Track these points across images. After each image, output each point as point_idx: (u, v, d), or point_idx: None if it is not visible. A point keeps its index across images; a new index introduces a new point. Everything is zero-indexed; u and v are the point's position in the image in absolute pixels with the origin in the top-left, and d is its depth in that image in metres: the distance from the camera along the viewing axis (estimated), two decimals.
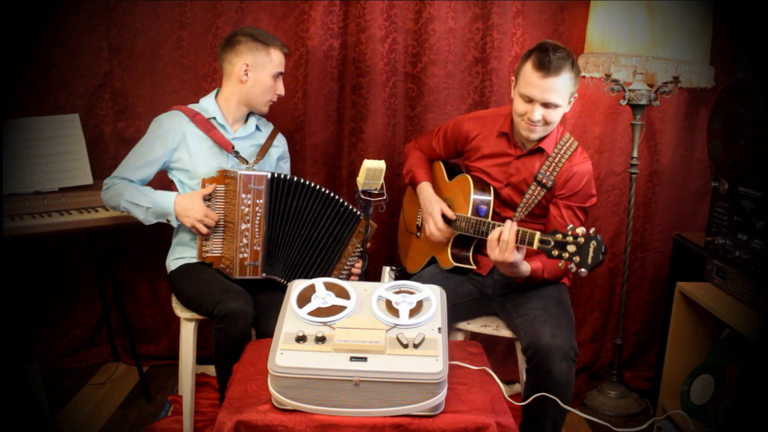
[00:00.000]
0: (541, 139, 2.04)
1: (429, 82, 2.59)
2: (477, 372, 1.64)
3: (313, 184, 2.12)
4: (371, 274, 2.52)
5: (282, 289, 2.01)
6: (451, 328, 2.12)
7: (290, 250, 2.13)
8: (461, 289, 2.12)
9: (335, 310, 1.55)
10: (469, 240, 2.11)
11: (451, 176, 2.26)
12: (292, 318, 1.53)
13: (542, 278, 1.99)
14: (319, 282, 1.63)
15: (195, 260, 2.14)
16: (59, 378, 2.63)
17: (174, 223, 2.07)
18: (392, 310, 1.55)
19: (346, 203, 2.16)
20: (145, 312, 2.79)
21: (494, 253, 1.84)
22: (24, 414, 2.17)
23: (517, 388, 2.53)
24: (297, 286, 1.63)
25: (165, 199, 2.05)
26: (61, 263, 2.72)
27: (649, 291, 2.75)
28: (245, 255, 2.06)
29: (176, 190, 2.17)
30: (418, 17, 2.56)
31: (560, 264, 1.73)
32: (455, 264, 2.11)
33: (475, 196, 2.07)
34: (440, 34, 2.55)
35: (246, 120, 2.25)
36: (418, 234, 2.37)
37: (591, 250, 1.67)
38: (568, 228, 1.72)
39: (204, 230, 2.04)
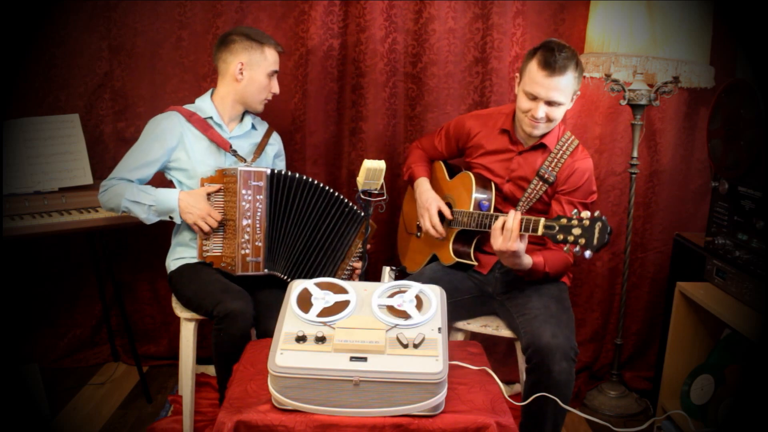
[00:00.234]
0: (543, 135, 2.06)
1: (429, 82, 2.59)
2: (477, 372, 1.64)
3: (313, 180, 2.13)
4: (371, 274, 2.52)
5: (282, 287, 2.02)
6: (451, 326, 2.12)
7: (293, 247, 2.13)
8: (462, 285, 2.13)
9: (336, 309, 1.55)
10: (471, 236, 2.12)
11: (451, 175, 2.27)
12: (292, 318, 1.53)
13: (544, 272, 1.99)
14: (319, 282, 1.63)
15: (195, 260, 2.15)
16: (59, 378, 2.63)
17: (177, 220, 2.07)
18: (399, 312, 1.54)
19: (350, 203, 2.17)
20: (145, 312, 2.79)
21: (498, 242, 1.84)
22: (24, 414, 2.17)
23: (517, 388, 2.53)
24: (297, 286, 1.63)
25: (168, 196, 2.04)
26: (61, 263, 2.72)
27: (649, 291, 2.75)
28: (247, 251, 2.07)
29: None
30: (418, 17, 2.56)
31: (565, 248, 1.73)
32: (457, 259, 2.11)
33: (476, 194, 2.08)
34: (440, 34, 2.55)
35: (242, 119, 2.26)
36: (419, 234, 2.37)
37: (596, 231, 1.68)
38: (573, 213, 1.73)
39: (206, 228, 2.04)
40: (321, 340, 1.46)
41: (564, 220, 1.74)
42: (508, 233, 1.81)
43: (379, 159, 1.81)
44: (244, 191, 2.04)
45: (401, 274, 2.22)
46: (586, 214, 1.71)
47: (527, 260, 1.92)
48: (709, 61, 2.33)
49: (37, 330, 2.73)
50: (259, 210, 2.07)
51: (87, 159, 2.39)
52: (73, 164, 2.36)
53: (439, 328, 1.51)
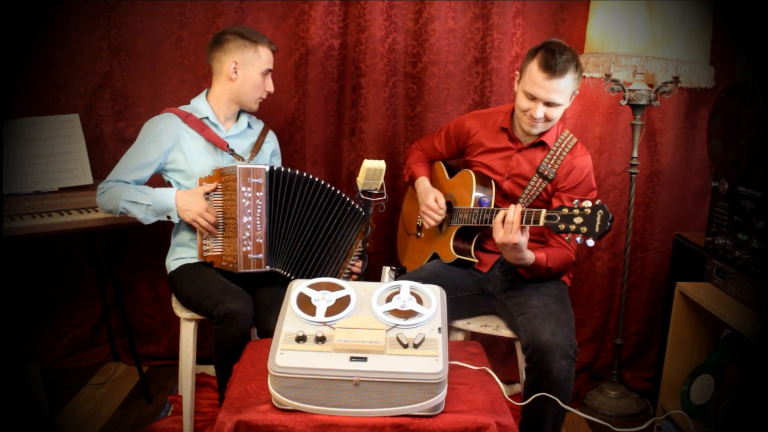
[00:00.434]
0: (542, 133, 2.07)
1: (429, 82, 2.59)
2: (477, 372, 1.64)
3: (312, 177, 2.13)
4: (371, 274, 2.52)
5: (282, 284, 2.02)
6: (451, 326, 2.12)
7: (295, 243, 2.14)
8: (462, 283, 2.13)
9: (335, 309, 1.55)
10: (471, 233, 2.12)
11: (451, 174, 2.27)
12: (292, 318, 1.53)
13: (547, 268, 1.99)
14: (318, 282, 1.63)
15: (195, 260, 2.15)
16: (59, 378, 2.63)
17: (175, 219, 2.07)
18: (402, 313, 1.54)
19: (349, 199, 2.17)
20: (145, 312, 2.79)
21: (499, 234, 1.85)
22: (24, 414, 2.17)
23: (517, 388, 2.53)
24: (297, 286, 1.63)
25: (166, 195, 2.05)
26: (61, 263, 2.72)
27: (649, 291, 2.75)
28: (248, 248, 2.07)
29: None
30: (418, 17, 2.56)
31: (567, 237, 1.74)
32: (457, 256, 2.12)
33: (477, 192, 2.09)
34: (440, 34, 2.55)
35: (237, 118, 2.26)
36: (419, 234, 2.37)
37: (598, 218, 1.70)
38: (574, 202, 1.74)
39: (204, 224, 2.05)
40: (321, 340, 1.46)
41: (565, 210, 1.75)
42: (509, 226, 1.82)
43: (379, 159, 1.81)
44: (243, 188, 2.04)
45: (401, 274, 2.22)
46: (587, 203, 1.73)
47: (530, 255, 1.93)
48: (709, 61, 2.33)
49: (37, 330, 2.73)
50: (260, 207, 2.07)
51: (87, 159, 2.39)
52: (73, 164, 2.36)
53: (439, 328, 1.51)
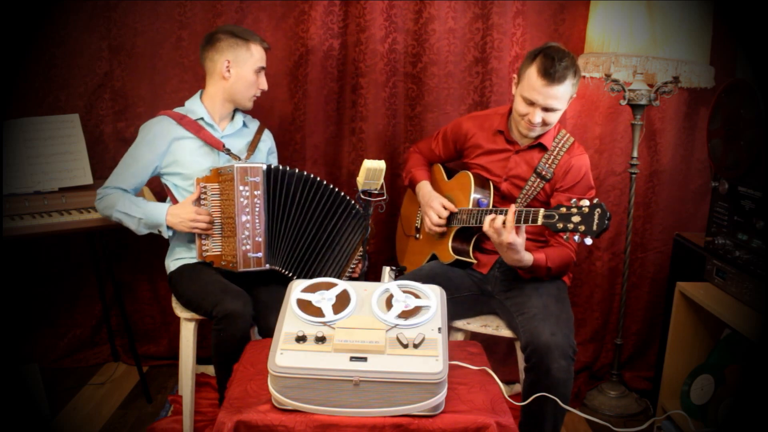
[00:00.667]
0: (539, 135, 2.08)
1: (429, 82, 2.59)
2: (477, 372, 1.64)
3: (309, 174, 2.13)
4: (371, 274, 2.52)
5: (282, 283, 2.02)
6: (451, 326, 2.12)
7: (294, 241, 2.13)
8: (461, 283, 2.13)
9: (335, 309, 1.55)
10: (470, 234, 2.12)
11: (450, 176, 2.27)
12: (292, 318, 1.53)
13: (547, 268, 1.99)
14: (318, 282, 1.63)
15: (194, 260, 2.15)
16: (59, 378, 2.63)
17: (165, 234, 2.09)
18: (388, 304, 1.55)
19: (348, 197, 2.17)
20: (145, 312, 2.79)
21: (494, 236, 1.87)
22: (24, 414, 2.17)
23: (517, 388, 2.53)
24: (297, 286, 1.62)
25: (157, 211, 2.07)
26: (61, 263, 2.72)
27: (649, 291, 2.75)
28: (248, 247, 2.07)
29: (171, 194, 2.18)
30: (418, 17, 2.56)
31: (565, 236, 1.75)
32: (456, 257, 2.12)
33: (475, 194, 2.10)
34: (440, 34, 2.55)
35: (233, 117, 2.26)
36: (417, 236, 2.37)
37: (596, 217, 1.71)
38: (572, 201, 1.76)
39: (202, 226, 2.05)
40: (321, 340, 1.46)
41: (563, 209, 1.76)
42: (503, 227, 1.84)
43: (379, 159, 1.81)
44: (241, 187, 2.04)
45: (401, 274, 2.22)
46: (584, 201, 1.74)
47: (527, 256, 1.93)
48: (709, 61, 2.33)
49: (37, 330, 2.73)
50: (258, 205, 2.07)
51: (87, 159, 2.39)
52: (73, 164, 2.36)
53: (439, 328, 1.51)
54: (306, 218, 2.14)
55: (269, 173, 2.09)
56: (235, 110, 2.27)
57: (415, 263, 2.34)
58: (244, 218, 2.06)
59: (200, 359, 2.29)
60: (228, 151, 2.16)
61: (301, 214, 2.13)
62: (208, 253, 2.09)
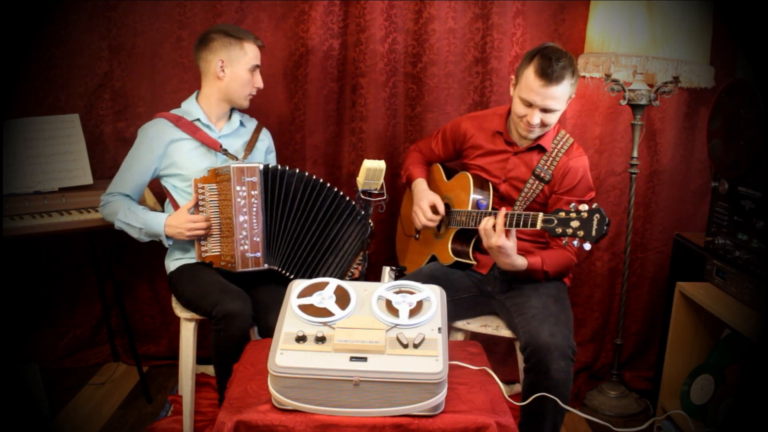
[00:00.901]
0: (538, 137, 2.07)
1: (429, 82, 2.59)
2: (477, 372, 1.64)
3: (307, 174, 2.13)
4: (371, 274, 2.52)
5: (282, 283, 2.02)
6: (451, 326, 2.12)
7: (293, 241, 2.13)
8: (460, 284, 2.13)
9: (335, 311, 1.55)
10: (469, 235, 2.12)
11: (449, 176, 2.27)
12: (292, 318, 1.53)
13: (543, 272, 2.00)
14: (319, 282, 1.63)
15: (194, 261, 2.15)
16: (59, 378, 2.63)
17: (166, 243, 2.11)
18: (392, 309, 1.55)
19: (347, 197, 2.17)
20: (145, 312, 2.79)
21: (484, 238, 1.88)
22: (24, 414, 2.17)
23: (517, 388, 2.53)
24: (297, 286, 1.62)
25: (156, 222, 2.08)
26: (61, 263, 2.72)
27: (649, 291, 2.75)
28: (246, 247, 2.07)
29: (170, 196, 2.18)
30: (418, 17, 2.56)
31: (564, 241, 1.75)
32: (455, 258, 2.12)
33: (474, 195, 2.09)
34: (440, 34, 2.55)
35: (229, 117, 2.26)
36: (417, 236, 2.37)
37: (595, 222, 1.71)
38: (571, 206, 1.76)
39: (201, 233, 2.05)
40: (321, 340, 1.46)
41: (562, 214, 1.76)
42: (491, 230, 1.85)
43: (379, 159, 1.81)
44: (238, 188, 2.05)
45: (401, 275, 2.22)
46: (583, 206, 1.74)
47: (520, 261, 1.94)
48: (709, 61, 2.33)
49: (37, 330, 2.73)
50: (255, 205, 2.07)
51: (87, 159, 2.38)
52: (73, 164, 2.36)
53: (439, 328, 1.51)
54: (304, 218, 2.14)
55: (266, 173, 2.09)
56: (232, 110, 2.27)
57: (415, 263, 2.34)
58: (241, 218, 2.06)
59: (200, 359, 2.29)
60: (225, 152, 2.16)
61: (299, 213, 2.13)
62: (207, 254, 2.09)
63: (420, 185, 2.25)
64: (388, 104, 2.62)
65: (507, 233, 1.86)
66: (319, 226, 2.16)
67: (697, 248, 2.28)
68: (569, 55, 1.95)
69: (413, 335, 1.48)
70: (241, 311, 1.91)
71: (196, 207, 2.07)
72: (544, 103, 1.94)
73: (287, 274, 2.13)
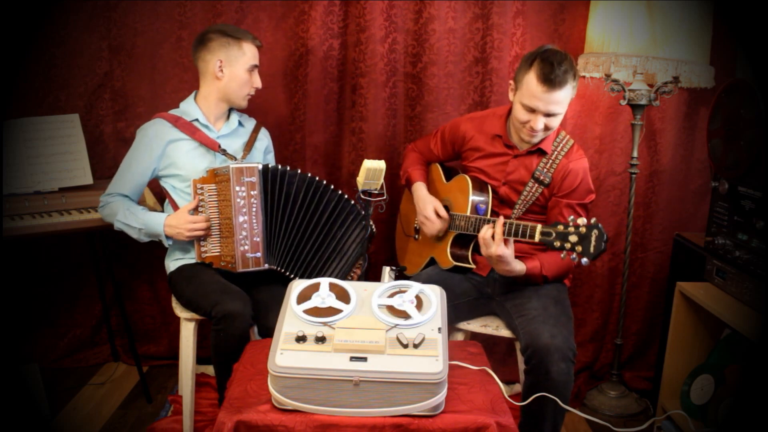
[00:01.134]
0: (539, 141, 2.05)
1: (429, 82, 2.59)
2: (477, 372, 1.64)
3: (306, 174, 2.13)
4: (371, 274, 2.52)
5: (282, 283, 2.02)
6: (451, 328, 2.12)
7: (293, 241, 2.13)
8: (460, 288, 2.12)
9: (335, 310, 1.55)
10: (468, 239, 2.11)
11: (448, 178, 2.26)
12: (292, 318, 1.53)
13: (542, 276, 1.99)
14: (319, 282, 1.63)
15: (194, 261, 2.15)
16: (59, 378, 2.63)
17: (166, 243, 2.11)
18: (399, 312, 1.54)
19: (347, 197, 2.17)
20: (145, 312, 2.79)
21: (483, 248, 1.88)
22: (24, 414, 2.17)
23: (517, 388, 2.53)
24: (297, 286, 1.63)
25: (155, 222, 2.08)
26: (61, 263, 2.72)
27: (649, 291, 2.75)
28: (246, 247, 2.07)
29: (169, 197, 2.18)
30: (418, 17, 2.56)
31: (562, 255, 1.74)
32: (455, 263, 2.11)
33: (473, 197, 2.08)
34: (440, 34, 2.55)
35: (228, 117, 2.26)
36: (416, 237, 2.37)
37: (593, 239, 1.70)
38: (570, 219, 1.74)
39: (200, 233, 2.05)
40: (321, 340, 1.46)
41: (560, 227, 1.75)
42: (490, 240, 1.85)
43: (379, 159, 1.81)
44: (237, 188, 2.05)
45: (401, 274, 2.22)
46: (582, 221, 1.72)
47: (519, 267, 1.93)
48: (709, 61, 2.32)
49: (37, 330, 2.73)
50: (254, 205, 2.07)
51: (87, 159, 2.39)
52: (73, 164, 2.36)
53: (439, 328, 1.51)
54: (308, 219, 2.14)
55: (265, 173, 2.09)
56: (231, 110, 2.27)
57: (414, 264, 2.34)
58: (241, 219, 2.06)
59: (200, 359, 2.29)
60: (224, 152, 2.16)
61: (301, 214, 2.13)
62: (207, 254, 2.09)
63: (420, 190, 2.23)
64: (388, 104, 2.62)
65: (505, 242, 1.85)
66: (323, 228, 2.16)
67: (697, 248, 2.28)
68: (569, 57, 1.93)
69: (413, 335, 1.48)
70: (240, 311, 1.90)
71: (196, 208, 2.07)
72: (548, 108, 1.92)
73: (288, 274, 2.13)
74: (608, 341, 2.79)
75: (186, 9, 2.54)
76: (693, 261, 2.28)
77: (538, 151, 2.07)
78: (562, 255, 1.75)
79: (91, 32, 2.55)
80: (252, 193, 2.07)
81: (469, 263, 2.12)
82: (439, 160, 2.35)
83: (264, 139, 2.35)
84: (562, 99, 1.92)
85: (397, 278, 1.95)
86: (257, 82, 2.21)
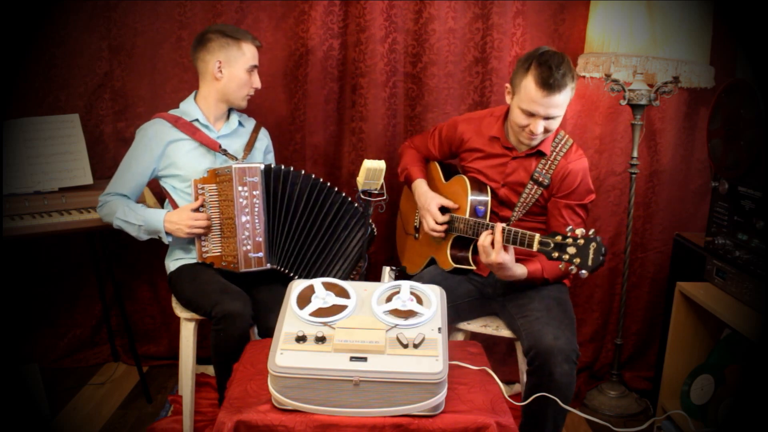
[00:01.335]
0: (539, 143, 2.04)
1: (429, 82, 2.59)
2: (477, 372, 1.64)
3: (307, 174, 2.13)
4: (371, 274, 2.52)
5: (283, 283, 2.02)
6: (451, 328, 2.12)
7: (295, 241, 2.13)
8: (461, 289, 2.12)
9: (335, 310, 1.55)
10: (468, 240, 2.11)
11: (447, 177, 2.26)
12: (292, 318, 1.53)
13: (543, 279, 1.99)
14: (318, 282, 1.63)
15: (194, 261, 2.15)
16: (59, 378, 2.63)
17: (165, 240, 2.10)
18: (401, 313, 1.54)
19: (348, 197, 2.17)
20: (145, 312, 2.79)
21: (483, 256, 1.87)
22: (24, 414, 2.17)
23: (517, 388, 2.53)
24: (297, 286, 1.63)
25: (155, 218, 2.07)
26: (61, 263, 2.72)
27: (649, 291, 2.75)
28: (248, 247, 2.07)
29: (169, 197, 2.18)
30: (418, 17, 2.56)
31: (561, 266, 1.74)
32: (455, 265, 2.11)
33: (472, 197, 2.07)
34: (440, 34, 2.55)
35: (228, 117, 2.26)
36: (416, 235, 2.36)
37: (591, 251, 1.68)
38: (568, 229, 1.73)
39: (201, 232, 2.05)
40: (321, 340, 1.46)
41: (559, 238, 1.73)
42: (490, 247, 1.84)
43: (379, 159, 1.81)
44: (240, 188, 2.05)
45: (401, 274, 2.22)
46: (580, 231, 1.70)
47: (519, 271, 1.93)
48: (709, 61, 2.32)
49: (37, 330, 2.73)
50: (257, 205, 2.07)
51: (87, 159, 2.39)
52: (73, 164, 2.36)
53: (439, 328, 1.51)
54: (304, 216, 2.14)
55: (267, 173, 2.09)
56: (231, 110, 2.27)
57: (414, 263, 2.34)
58: (243, 219, 2.06)
59: (200, 359, 2.29)
60: (224, 152, 2.16)
61: (303, 214, 2.13)
62: (207, 255, 2.09)
63: (421, 187, 2.22)
64: (388, 104, 2.62)
65: (505, 247, 1.84)
66: (327, 230, 2.16)
67: (697, 248, 2.28)
68: (566, 59, 1.90)
69: (413, 335, 1.48)
70: (241, 311, 1.90)
71: (198, 209, 2.07)
72: (548, 112, 1.89)
73: (290, 273, 2.13)
74: (608, 341, 2.79)
75: (186, 9, 2.54)
76: (693, 261, 2.28)
77: (537, 153, 2.05)
78: (560, 266, 1.74)
79: (91, 32, 2.55)
80: (254, 193, 2.07)
81: (470, 264, 2.11)
82: (437, 159, 2.34)
83: (264, 139, 2.35)
84: (561, 102, 1.90)
85: (397, 278, 1.95)
86: (256, 83, 2.21)
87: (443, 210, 2.15)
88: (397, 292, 1.60)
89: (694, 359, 2.24)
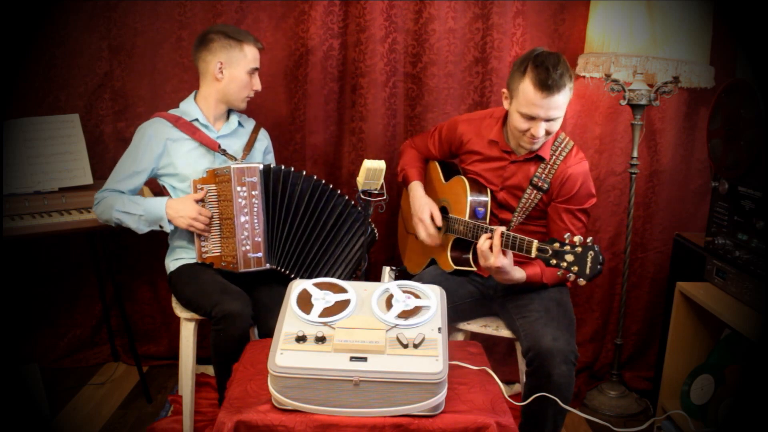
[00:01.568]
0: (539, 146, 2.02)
1: (429, 82, 2.59)
2: (477, 372, 1.64)
3: (306, 173, 2.13)
4: (371, 274, 2.52)
5: (282, 284, 2.02)
6: (451, 328, 2.12)
7: (295, 241, 2.13)
8: (462, 290, 2.12)
9: (336, 309, 1.55)
10: (468, 243, 2.11)
11: (447, 177, 2.25)
12: (292, 318, 1.53)
13: (542, 283, 1.99)
14: (318, 282, 1.63)
15: (194, 261, 2.15)
16: (59, 378, 2.63)
17: (167, 228, 2.08)
18: (388, 304, 1.55)
19: (347, 197, 2.17)
20: (145, 312, 2.79)
21: (481, 259, 1.87)
22: (24, 414, 2.17)
23: (517, 388, 2.53)
24: (297, 286, 1.63)
25: (157, 205, 2.06)
26: (61, 263, 2.72)
27: (649, 291, 2.75)
28: (248, 247, 2.07)
29: (169, 196, 2.18)
30: (418, 17, 2.56)
31: (559, 273, 1.74)
32: (456, 267, 2.10)
33: (472, 198, 2.06)
34: (440, 34, 2.55)
35: (228, 117, 2.26)
36: (417, 236, 2.36)
37: (589, 260, 1.68)
38: (566, 236, 1.72)
39: (201, 227, 2.05)
40: (321, 340, 1.46)
41: (557, 245, 1.73)
42: (488, 251, 1.84)
43: (379, 159, 1.81)
44: (239, 188, 2.05)
45: (401, 274, 2.22)
46: (578, 238, 1.70)
47: (518, 274, 1.93)
48: (709, 61, 2.32)
49: (37, 330, 2.73)
50: (256, 205, 2.07)
51: (87, 159, 2.39)
52: (73, 164, 2.36)
53: (439, 328, 1.51)
54: (303, 216, 2.14)
55: (266, 173, 2.09)
56: (230, 110, 2.27)
57: (415, 263, 2.33)
58: (242, 219, 2.06)
59: (200, 359, 2.29)
60: (224, 152, 2.16)
61: (303, 215, 2.13)
62: (207, 255, 2.09)
63: (416, 190, 2.20)
64: (388, 104, 2.62)
65: (504, 252, 1.84)
66: (330, 233, 2.16)
67: (697, 248, 2.28)
68: (562, 59, 1.88)
69: (413, 335, 1.48)
70: (240, 311, 1.90)
71: (200, 203, 2.06)
72: (548, 114, 1.87)
73: (290, 274, 2.13)
74: (608, 341, 2.79)
75: (186, 9, 2.54)
76: (693, 261, 2.28)
77: (536, 158, 2.02)
78: (558, 273, 1.74)
79: (91, 32, 2.55)
80: (253, 193, 2.07)
81: (471, 266, 2.11)
82: (437, 159, 2.33)
83: (263, 139, 2.35)
84: (561, 103, 1.88)
85: (397, 278, 1.95)
86: (257, 85, 2.21)
87: (443, 210, 2.15)
88: (392, 296, 1.60)
89: (694, 359, 2.24)
